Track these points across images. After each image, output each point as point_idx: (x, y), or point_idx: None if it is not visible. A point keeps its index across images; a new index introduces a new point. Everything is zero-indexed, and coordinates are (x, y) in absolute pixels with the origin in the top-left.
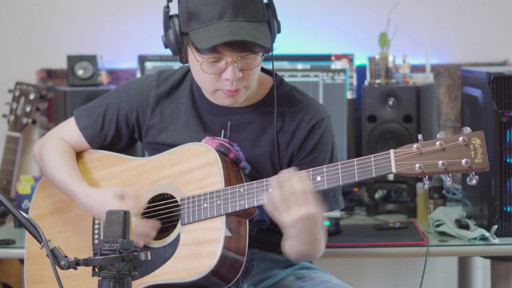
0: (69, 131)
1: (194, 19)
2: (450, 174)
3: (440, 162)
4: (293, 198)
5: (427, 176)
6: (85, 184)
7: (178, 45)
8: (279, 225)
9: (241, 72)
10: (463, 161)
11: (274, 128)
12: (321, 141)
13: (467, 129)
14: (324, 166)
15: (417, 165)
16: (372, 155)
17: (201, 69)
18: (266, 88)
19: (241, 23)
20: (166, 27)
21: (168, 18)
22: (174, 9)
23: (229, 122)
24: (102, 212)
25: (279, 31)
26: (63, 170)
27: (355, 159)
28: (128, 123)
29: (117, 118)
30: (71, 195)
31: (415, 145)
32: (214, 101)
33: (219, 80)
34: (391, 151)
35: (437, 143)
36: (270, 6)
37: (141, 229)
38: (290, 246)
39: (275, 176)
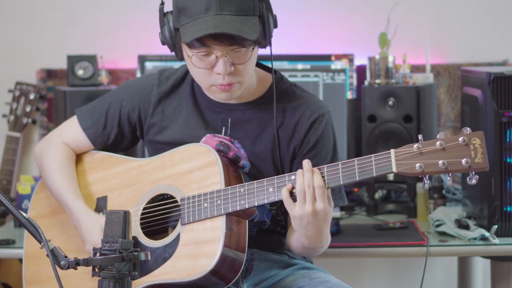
0: (71, 131)
1: (183, 14)
2: (450, 174)
3: (440, 161)
4: (309, 191)
5: (427, 176)
6: (80, 202)
7: (173, 41)
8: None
9: (232, 67)
10: (463, 160)
11: (274, 125)
12: (322, 137)
13: (467, 129)
14: (325, 165)
15: (418, 164)
16: (372, 154)
17: (191, 63)
18: (266, 85)
19: (226, 17)
20: (162, 23)
21: (163, 15)
22: (170, 7)
23: (229, 119)
24: (85, 238)
25: (275, 26)
26: (62, 183)
27: (356, 158)
28: (130, 122)
29: (120, 116)
30: (65, 208)
31: (415, 145)
32: (212, 97)
33: (211, 74)
34: (392, 150)
35: (438, 143)
36: (264, 0)
37: None
38: (296, 238)
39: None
